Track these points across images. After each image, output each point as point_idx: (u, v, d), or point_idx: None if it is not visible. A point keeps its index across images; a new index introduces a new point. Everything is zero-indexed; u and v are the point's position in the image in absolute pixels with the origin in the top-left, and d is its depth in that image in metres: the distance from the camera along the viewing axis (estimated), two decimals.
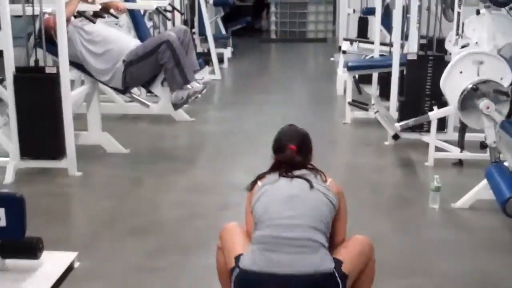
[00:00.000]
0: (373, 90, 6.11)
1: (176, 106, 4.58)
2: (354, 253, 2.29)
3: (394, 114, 5.05)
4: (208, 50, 8.49)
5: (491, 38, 4.52)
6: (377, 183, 4.29)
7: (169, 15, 6.25)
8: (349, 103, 5.67)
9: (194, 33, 8.95)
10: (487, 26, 4.52)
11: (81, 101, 4.77)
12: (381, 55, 6.18)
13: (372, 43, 6.92)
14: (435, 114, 4.46)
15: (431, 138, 4.50)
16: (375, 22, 8.93)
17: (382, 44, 6.38)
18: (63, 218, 3.67)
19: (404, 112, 4.94)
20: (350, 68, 5.55)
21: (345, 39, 7.12)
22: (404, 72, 5.04)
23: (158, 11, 5.61)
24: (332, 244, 2.31)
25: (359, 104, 5.76)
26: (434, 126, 4.47)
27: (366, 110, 5.66)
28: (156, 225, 3.49)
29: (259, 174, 2.43)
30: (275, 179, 2.35)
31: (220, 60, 8.99)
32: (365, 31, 9.08)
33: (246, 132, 5.52)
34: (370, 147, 5.12)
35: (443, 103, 4.75)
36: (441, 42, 5.38)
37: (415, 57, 4.90)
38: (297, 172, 2.35)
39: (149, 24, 6.27)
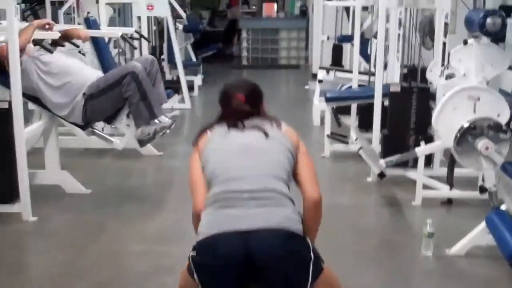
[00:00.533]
0: (352, 121, 5.80)
1: (142, 142, 4.19)
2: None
3: (377, 148, 4.74)
4: (178, 77, 8.13)
5: (480, 70, 4.24)
6: (361, 225, 3.96)
7: (136, 43, 5.90)
8: (328, 136, 5.35)
9: (163, 59, 8.61)
10: (475, 57, 4.24)
11: (37, 137, 4.35)
12: (359, 85, 5.90)
13: (349, 71, 6.66)
14: (422, 150, 4.15)
15: (419, 175, 4.19)
16: (350, 50, 8.80)
17: (360, 73, 6.10)
18: (11, 274, 3.23)
19: (388, 146, 4.64)
20: (328, 100, 5.23)
21: (321, 68, 6.83)
22: (386, 104, 4.74)
23: (123, 39, 5.24)
24: (305, 198, 2.01)
25: (339, 137, 5.45)
26: (421, 163, 4.16)
27: (346, 143, 5.34)
28: (118, 282, 3.08)
29: (205, 125, 2.20)
30: (224, 131, 2.10)
31: (190, 88, 8.63)
32: (339, 58, 8.86)
33: None
34: (352, 183, 4.80)
35: (429, 138, 4.47)
36: (421, 71, 5.12)
37: (398, 89, 4.61)
38: (248, 123, 2.10)
39: (114, 52, 5.90)
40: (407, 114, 4.59)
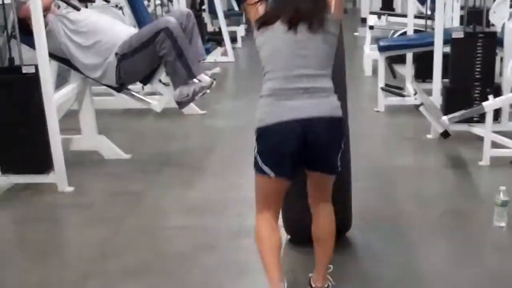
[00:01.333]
0: (407, 72, 5.33)
1: (181, 104, 3.88)
2: None
3: (438, 102, 4.29)
4: (220, 28, 7.76)
5: None
6: (424, 192, 3.58)
7: None
8: (382, 88, 4.92)
9: (204, 10, 8.22)
10: None
11: (70, 102, 4.09)
12: (414, 31, 5.40)
13: (403, 16, 6.15)
14: (491, 104, 3.71)
15: (487, 132, 3.75)
16: None
17: (415, 17, 5.59)
18: (45, 253, 3.00)
19: (451, 99, 4.20)
20: (382, 49, 4.78)
21: (372, 12, 6.33)
22: (446, 52, 4.27)
23: None
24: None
25: (394, 89, 5.01)
26: (489, 118, 3.72)
27: (402, 96, 4.91)
28: (154, 264, 2.81)
29: None
30: (280, 26, 2.16)
31: (233, 39, 8.26)
32: (390, 2, 8.30)
33: None
34: (411, 142, 4.39)
35: (497, 89, 4.01)
36: (481, 13, 4.60)
37: (461, 35, 4.12)
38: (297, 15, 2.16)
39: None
40: (471, 63, 4.13)
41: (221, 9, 7.42)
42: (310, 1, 2.15)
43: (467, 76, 4.14)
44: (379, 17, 6.13)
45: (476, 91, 4.13)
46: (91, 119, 4.19)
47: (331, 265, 2.40)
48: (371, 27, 6.19)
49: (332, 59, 2.21)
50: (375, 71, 6.27)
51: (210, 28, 8.20)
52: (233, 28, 8.45)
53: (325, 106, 2.17)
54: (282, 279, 2.21)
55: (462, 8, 4.85)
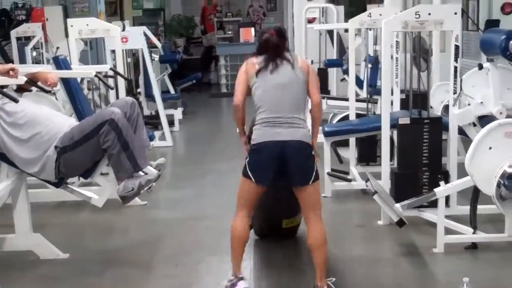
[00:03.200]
0: (351, 155, 5.33)
1: (125, 199, 3.65)
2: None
3: (387, 187, 4.26)
4: (157, 112, 7.62)
5: (498, 96, 3.85)
6: (380, 281, 3.46)
7: (111, 79, 5.39)
8: (328, 173, 4.87)
9: (139, 93, 8.09)
10: (493, 82, 3.85)
11: (3, 199, 3.79)
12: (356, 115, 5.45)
13: (343, 99, 6.22)
14: (443, 190, 3.69)
15: (440, 219, 3.71)
16: (336, 75, 8.39)
17: (357, 100, 5.67)
18: None
19: (400, 186, 4.17)
20: (328, 134, 4.76)
21: None
22: (395, 138, 4.29)
23: (98, 78, 4.71)
24: (312, 101, 3.24)
25: (340, 174, 4.97)
26: (442, 205, 3.70)
27: (349, 181, 4.87)
28: None
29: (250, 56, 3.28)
30: (265, 71, 3.12)
31: (171, 123, 8.12)
32: (325, 84, 8.43)
33: (211, 218, 4.61)
34: (361, 229, 4.31)
35: (446, 175, 4.03)
36: (422, 96, 4.70)
37: (407, 121, 4.15)
38: (279, 59, 3.15)
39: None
40: (419, 149, 4.14)
41: (158, 93, 7.30)
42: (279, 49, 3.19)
43: (415, 161, 4.14)
44: None
45: (425, 177, 4.13)
46: (25, 217, 3.88)
47: (333, 278, 3.19)
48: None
49: (305, 102, 3.18)
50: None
51: (146, 112, 8.05)
52: (170, 111, 8.33)
53: (298, 133, 3.04)
54: (241, 266, 3.21)
55: (401, 91, 4.93)
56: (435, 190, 3.70)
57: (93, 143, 3.53)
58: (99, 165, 3.74)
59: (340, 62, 7.59)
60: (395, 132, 4.40)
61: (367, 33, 7.10)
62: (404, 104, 4.85)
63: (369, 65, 6.39)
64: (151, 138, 4.84)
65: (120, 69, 5.27)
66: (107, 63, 6.44)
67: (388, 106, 4.21)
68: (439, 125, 4.12)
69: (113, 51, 7.23)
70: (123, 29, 7.53)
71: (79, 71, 4.76)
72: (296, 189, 3.10)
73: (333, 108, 6.34)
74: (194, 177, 5.85)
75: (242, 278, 3.18)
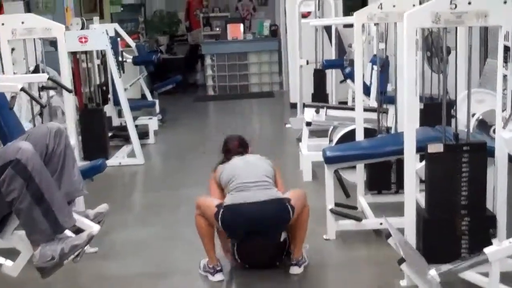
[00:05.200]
0: (358, 181, 4.23)
1: (43, 271, 2.56)
2: (295, 196, 3.34)
3: (411, 237, 3.15)
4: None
5: None
6: None
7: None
8: (331, 211, 3.76)
9: (108, 100, 6.96)
10: None
11: None
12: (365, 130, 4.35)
13: (348, 109, 5.13)
14: (497, 251, 2.59)
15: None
16: (335, 76, 7.29)
17: (365, 110, 4.58)
18: None
19: (430, 235, 3.07)
20: (330, 160, 3.67)
21: (308, 105, 5.27)
22: (424, 169, 3.17)
23: (25, 92, 3.56)
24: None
25: (346, 208, 3.88)
26: (496, 272, 2.60)
27: (358, 220, 3.77)
28: None
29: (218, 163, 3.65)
30: (230, 164, 3.53)
31: (145, 134, 7.01)
32: (322, 86, 7.34)
33: (179, 274, 3.52)
34: None
35: (492, 221, 2.95)
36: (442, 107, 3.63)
37: (440, 148, 3.04)
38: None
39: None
40: (455, 185, 3.03)
41: (126, 102, 6.16)
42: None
43: (451, 202, 3.05)
44: (317, 111, 5.06)
45: (464, 223, 3.04)
46: None
47: (307, 244, 3.50)
48: (309, 124, 5.12)
49: (273, 177, 3.45)
50: (315, 175, 5.17)
51: (116, 122, 6.93)
52: (143, 121, 7.22)
53: (271, 193, 3.31)
54: (217, 259, 3.39)
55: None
56: (486, 251, 2.61)
57: None
58: (9, 222, 2.64)
59: (341, 62, 6.49)
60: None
61: (373, 28, 5.99)
62: (422, 117, 3.76)
63: (376, 68, 5.30)
64: (99, 168, 3.73)
65: (65, 78, 4.16)
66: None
67: (414, 125, 3.09)
68: (483, 153, 3.02)
69: (73, 53, 6.17)
70: (83, 27, 6.44)
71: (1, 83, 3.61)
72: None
73: (334, 119, 5.23)
74: (165, 208, 4.73)
75: (220, 270, 3.38)
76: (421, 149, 3.12)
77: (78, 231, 2.74)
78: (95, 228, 2.71)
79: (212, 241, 3.36)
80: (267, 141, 6.91)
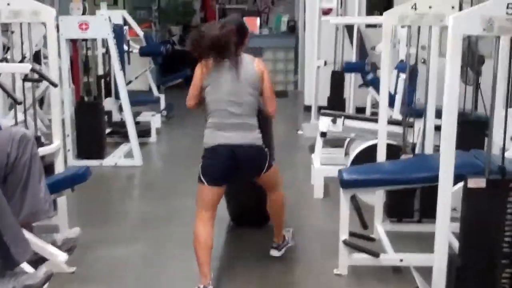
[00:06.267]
0: (376, 205, 3.73)
1: None
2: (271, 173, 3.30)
3: (442, 281, 2.64)
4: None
5: None
6: None
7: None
8: (345, 242, 3.25)
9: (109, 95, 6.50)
10: None
11: None
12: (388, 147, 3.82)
13: (369, 120, 4.62)
14: None
15: None
16: (354, 80, 6.77)
17: (389, 122, 4.04)
18: None
19: (462, 285, 2.56)
20: (346, 184, 3.15)
21: (324, 113, 4.75)
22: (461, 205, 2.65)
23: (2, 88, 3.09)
24: (266, 112, 3.28)
25: (361, 240, 3.37)
26: None
27: (375, 255, 3.26)
28: None
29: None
30: (217, 74, 3.09)
31: (146, 132, 6.53)
32: (340, 90, 6.81)
33: None
34: None
35: None
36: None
37: (482, 183, 2.53)
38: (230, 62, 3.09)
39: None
40: (496, 228, 2.52)
41: (126, 96, 5.68)
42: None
43: (490, 248, 2.54)
44: (333, 121, 4.56)
45: (506, 275, 2.53)
46: None
47: (290, 228, 3.67)
48: (323, 134, 4.61)
49: (256, 107, 3.17)
50: (328, 191, 4.66)
51: (116, 117, 6.45)
52: (146, 118, 6.74)
53: (249, 137, 3.13)
54: (210, 274, 3.03)
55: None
56: None
57: None
58: None
59: (362, 66, 5.96)
60: None
61: (400, 31, 5.47)
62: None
63: (402, 75, 4.78)
64: (81, 178, 3.25)
65: (53, 70, 3.68)
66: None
67: (452, 151, 2.57)
68: None
69: (73, 41, 5.72)
70: (84, 12, 5.97)
71: None
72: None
73: (351, 130, 4.72)
74: (156, 220, 4.23)
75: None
76: (457, 178, 2.61)
77: (39, 260, 2.27)
78: (60, 258, 2.24)
79: (208, 254, 3.04)
80: (276, 147, 6.35)
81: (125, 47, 7.17)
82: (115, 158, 5.65)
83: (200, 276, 3.00)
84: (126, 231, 4.03)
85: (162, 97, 7.68)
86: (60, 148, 3.76)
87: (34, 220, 2.30)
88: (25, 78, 3.62)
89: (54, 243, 2.36)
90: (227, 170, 3.10)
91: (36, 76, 3.44)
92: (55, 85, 3.49)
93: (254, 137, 3.12)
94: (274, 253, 3.54)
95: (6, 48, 5.37)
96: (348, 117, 4.69)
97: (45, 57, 7.36)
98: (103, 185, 5.02)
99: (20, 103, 3.09)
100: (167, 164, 6.03)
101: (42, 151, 3.67)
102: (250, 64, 3.12)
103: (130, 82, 7.61)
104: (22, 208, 2.24)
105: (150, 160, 5.90)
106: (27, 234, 2.22)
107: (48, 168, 3.81)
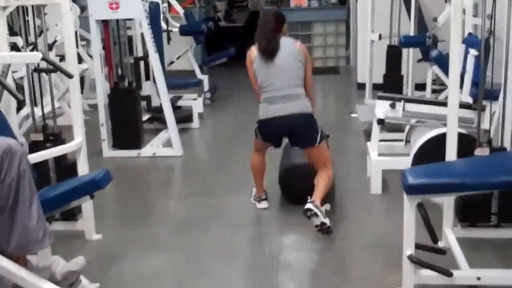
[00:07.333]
0: (446, 210, 3.17)
1: None
2: (320, 152, 3.72)
3: None
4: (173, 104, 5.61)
5: None
6: None
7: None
8: (410, 258, 2.71)
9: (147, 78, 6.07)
10: None
11: None
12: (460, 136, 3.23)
13: (428, 102, 4.03)
14: None
15: None
16: (413, 55, 6.14)
17: (462, 106, 3.43)
18: None
19: None
20: (412, 190, 2.59)
21: (381, 97, 4.18)
22: None
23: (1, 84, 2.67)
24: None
25: (430, 252, 2.83)
26: None
27: (448, 275, 2.71)
28: None
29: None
30: (261, 58, 3.66)
31: (188, 118, 6.09)
32: (397, 67, 6.20)
33: None
34: None
35: None
36: None
37: None
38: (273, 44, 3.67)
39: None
40: None
41: (163, 79, 5.22)
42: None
43: None
44: (392, 105, 3.99)
45: None
46: None
47: (328, 204, 3.59)
48: (381, 121, 4.05)
49: (302, 77, 3.69)
50: (386, 185, 4.12)
51: (156, 102, 6.02)
52: (187, 102, 6.28)
53: (299, 106, 3.62)
54: (263, 189, 3.95)
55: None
56: None
57: None
58: None
59: (422, 40, 5.32)
60: None
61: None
62: None
63: (472, 51, 4.14)
64: (98, 184, 2.80)
65: (70, 60, 3.23)
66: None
67: None
68: None
69: (104, 22, 5.30)
70: None
71: None
72: (303, 149, 3.73)
73: (413, 116, 4.13)
74: (193, 225, 3.75)
75: (265, 199, 3.92)
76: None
77: None
78: None
79: (261, 176, 3.91)
80: (327, 131, 5.82)
81: (164, 26, 6.73)
82: (154, 147, 5.23)
83: (257, 190, 3.92)
84: (156, 238, 3.58)
85: (205, 78, 7.21)
86: (82, 146, 3.34)
87: (25, 253, 1.87)
88: (36, 69, 3.19)
89: (52, 278, 1.94)
90: (277, 137, 3.75)
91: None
92: (70, 76, 3.04)
93: (304, 105, 3.63)
94: (307, 205, 3.43)
95: (39, 31, 5.03)
96: (409, 100, 4.10)
97: (82, 39, 7.03)
98: (136, 179, 4.63)
99: (22, 101, 2.66)
100: (210, 154, 5.58)
101: (61, 150, 3.31)
102: (291, 43, 3.70)
103: (172, 62, 7.19)
104: (10, 240, 1.81)
105: (191, 149, 5.42)
106: (18, 270, 1.80)
107: (71, 169, 3.43)
